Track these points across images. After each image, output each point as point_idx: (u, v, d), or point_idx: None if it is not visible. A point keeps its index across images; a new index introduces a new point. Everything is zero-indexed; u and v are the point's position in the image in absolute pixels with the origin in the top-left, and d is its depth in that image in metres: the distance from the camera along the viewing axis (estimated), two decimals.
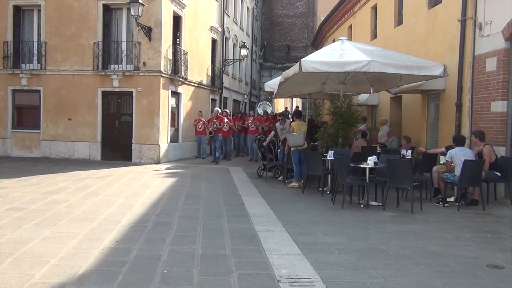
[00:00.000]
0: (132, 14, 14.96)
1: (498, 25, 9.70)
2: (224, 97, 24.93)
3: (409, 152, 10.64)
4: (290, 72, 10.63)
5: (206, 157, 17.84)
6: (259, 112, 24.24)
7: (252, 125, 18.27)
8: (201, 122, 17.27)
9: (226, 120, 17.50)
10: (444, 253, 5.64)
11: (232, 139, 19.07)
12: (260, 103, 26.92)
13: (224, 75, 24.44)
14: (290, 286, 4.39)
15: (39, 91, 16.95)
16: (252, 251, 5.54)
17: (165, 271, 4.72)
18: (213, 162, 16.45)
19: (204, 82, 21.05)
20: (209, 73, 21.89)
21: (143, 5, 15.03)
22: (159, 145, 16.05)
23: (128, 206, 8.11)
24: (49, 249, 5.35)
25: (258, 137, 14.61)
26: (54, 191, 9.50)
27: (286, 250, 5.60)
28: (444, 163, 9.17)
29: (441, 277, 4.73)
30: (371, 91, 12.79)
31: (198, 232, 6.44)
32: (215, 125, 16.68)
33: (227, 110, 18.97)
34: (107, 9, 16.55)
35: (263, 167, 12.98)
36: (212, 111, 19.55)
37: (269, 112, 21.39)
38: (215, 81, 22.76)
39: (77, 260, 4.96)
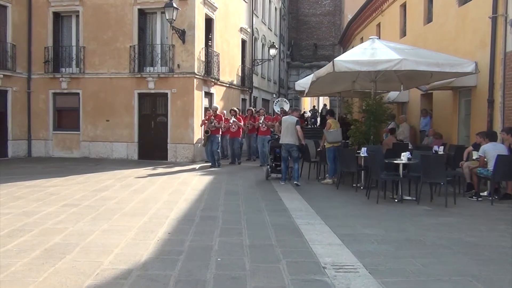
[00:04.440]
0: (167, 18, 15.49)
1: None
2: (253, 96, 25.39)
3: (441, 148, 10.85)
4: (322, 71, 10.95)
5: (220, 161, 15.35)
6: (276, 111, 21.37)
7: (263, 125, 15.57)
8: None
9: (234, 119, 15.99)
10: (479, 243, 5.91)
11: (240, 140, 16.64)
12: (277, 100, 23.99)
13: (253, 74, 24.89)
14: (335, 272, 4.74)
15: (78, 94, 17.73)
16: (296, 242, 5.92)
17: (218, 259, 5.15)
18: (212, 166, 14.75)
19: (235, 82, 21.54)
20: (239, 73, 22.37)
21: (177, 9, 15.54)
22: (193, 144, 16.57)
23: (173, 202, 8.60)
24: (110, 240, 5.85)
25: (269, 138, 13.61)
26: (102, 189, 10.08)
27: (327, 241, 5.95)
28: (476, 159, 9.35)
29: (477, 264, 5.01)
30: (402, 88, 13.01)
31: (243, 225, 6.85)
32: (212, 123, 14.73)
33: (235, 108, 16.93)
34: (142, 13, 17.18)
35: (270, 169, 12.21)
36: (241, 109, 19.52)
37: (287, 110, 18.11)
38: (245, 81, 23.25)
39: (137, 250, 5.44)
